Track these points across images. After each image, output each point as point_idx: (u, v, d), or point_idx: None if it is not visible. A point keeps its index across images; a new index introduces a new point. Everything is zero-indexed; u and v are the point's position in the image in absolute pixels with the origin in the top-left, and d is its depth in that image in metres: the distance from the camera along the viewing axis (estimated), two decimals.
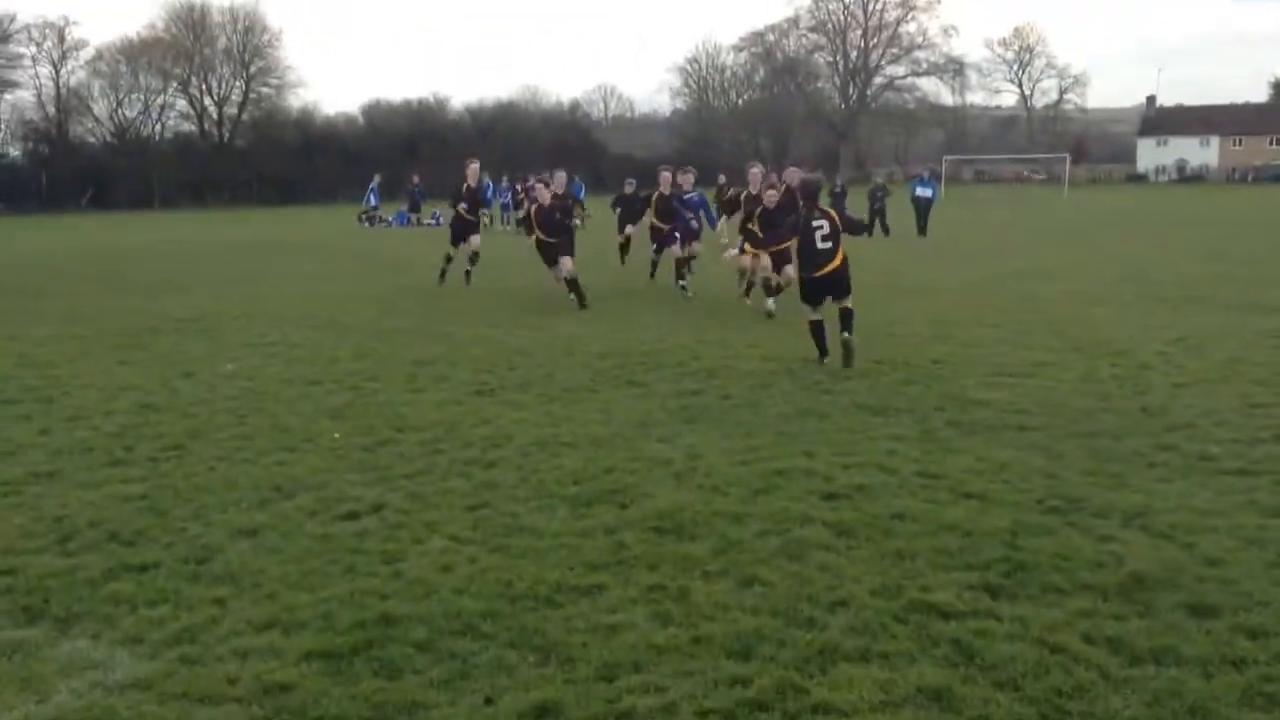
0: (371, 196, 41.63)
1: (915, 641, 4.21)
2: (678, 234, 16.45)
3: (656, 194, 17.36)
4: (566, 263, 14.92)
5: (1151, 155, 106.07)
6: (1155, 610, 4.45)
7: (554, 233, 15.14)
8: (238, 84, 78.64)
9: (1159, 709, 3.65)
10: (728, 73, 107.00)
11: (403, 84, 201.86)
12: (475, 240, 18.08)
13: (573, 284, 14.82)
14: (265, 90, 79.73)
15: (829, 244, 10.26)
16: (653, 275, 17.87)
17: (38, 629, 4.50)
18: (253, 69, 78.69)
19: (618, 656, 4.12)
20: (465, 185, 18.03)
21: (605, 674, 3.99)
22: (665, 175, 17.50)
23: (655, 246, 17.58)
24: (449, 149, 73.85)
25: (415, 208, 41.83)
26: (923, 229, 30.29)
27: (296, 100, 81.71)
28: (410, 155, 68.99)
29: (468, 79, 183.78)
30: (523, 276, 18.55)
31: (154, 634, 4.40)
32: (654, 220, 17.38)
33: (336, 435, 7.66)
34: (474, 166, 18.13)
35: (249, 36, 78.51)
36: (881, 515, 5.72)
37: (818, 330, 10.33)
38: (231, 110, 78.86)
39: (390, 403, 8.76)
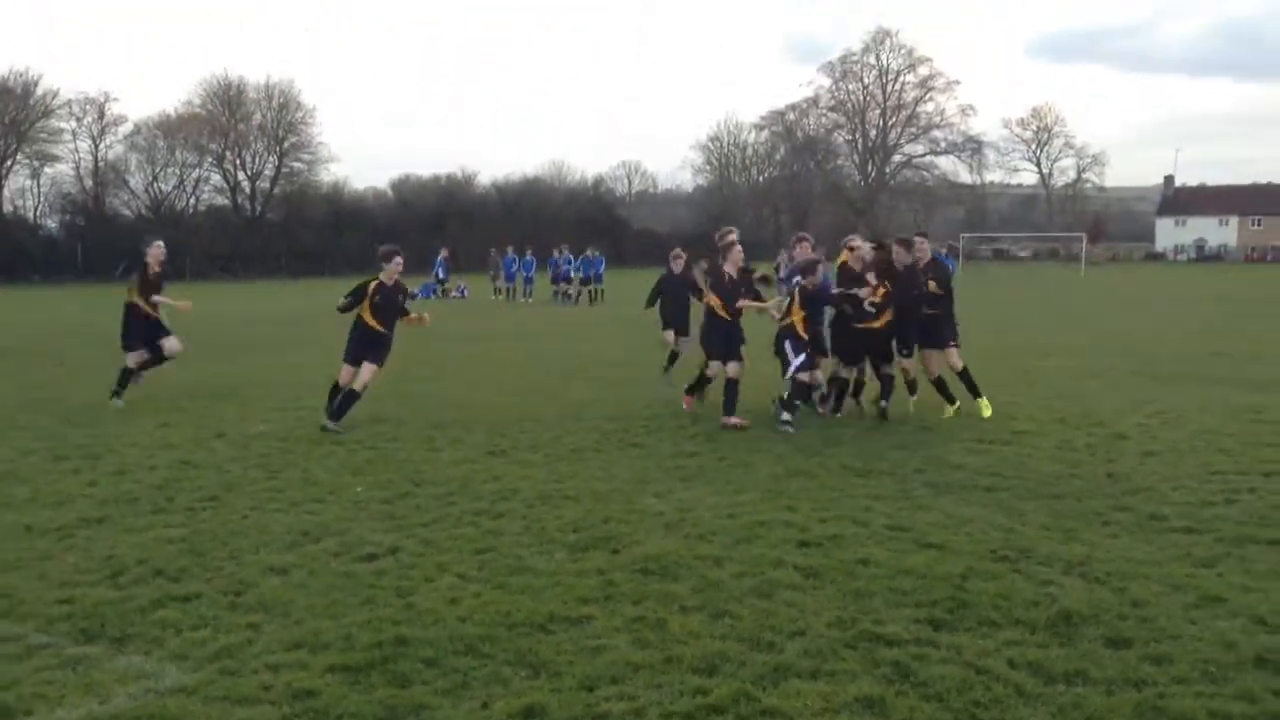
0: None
1: (860, 663, 4.81)
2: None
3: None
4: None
5: (1170, 234, 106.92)
6: (1076, 641, 5.04)
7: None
8: (270, 159, 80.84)
9: (1060, 715, 4.23)
10: (749, 150, 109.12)
11: (431, 159, 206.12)
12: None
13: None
14: (297, 165, 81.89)
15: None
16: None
17: (96, 647, 5.15)
18: (285, 144, 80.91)
19: (598, 671, 4.74)
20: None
21: (587, 685, 4.60)
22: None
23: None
24: (476, 223, 75.62)
25: (443, 280, 42.92)
26: None
27: (327, 175, 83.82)
28: (438, 229, 70.61)
29: (495, 155, 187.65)
30: (540, 345, 19.32)
31: (197, 652, 5.05)
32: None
33: (359, 489, 8.35)
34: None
35: (283, 113, 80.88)
36: (848, 561, 6.33)
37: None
38: (264, 184, 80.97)
39: (409, 460, 9.45)
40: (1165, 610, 5.43)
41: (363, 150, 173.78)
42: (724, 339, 11.77)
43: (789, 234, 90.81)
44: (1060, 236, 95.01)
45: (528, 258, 40.40)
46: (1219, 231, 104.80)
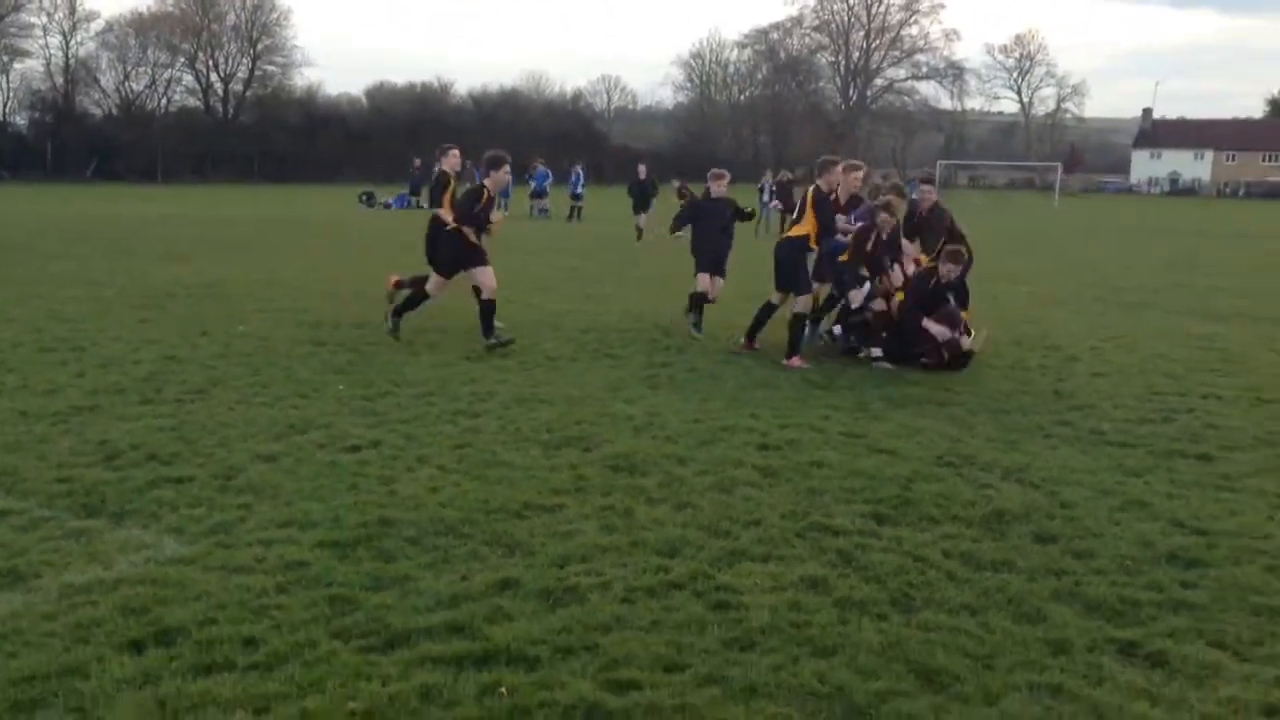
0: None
1: (808, 550, 5.24)
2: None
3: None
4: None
5: (1146, 167, 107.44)
6: (1007, 536, 5.49)
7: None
8: (244, 61, 79.56)
9: (984, 599, 4.68)
10: (730, 68, 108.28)
11: (408, 66, 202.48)
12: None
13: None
14: (271, 68, 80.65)
15: None
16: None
17: (97, 521, 5.49)
18: (260, 47, 79.57)
19: (569, 551, 5.15)
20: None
21: (558, 562, 5.01)
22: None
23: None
24: (451, 134, 74.86)
25: (415, 190, 42.77)
26: None
27: (301, 79, 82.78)
28: (412, 139, 70.02)
29: (472, 65, 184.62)
30: (520, 258, 19.52)
31: (193, 527, 5.41)
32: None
33: (341, 387, 8.67)
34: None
35: (257, 14, 79.45)
36: (804, 462, 6.75)
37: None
38: (237, 87, 79.77)
39: (389, 363, 9.77)
40: (1092, 512, 5.89)
41: (338, 55, 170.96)
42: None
43: (769, 154, 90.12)
44: (1036, 166, 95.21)
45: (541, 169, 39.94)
46: (1194, 165, 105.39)
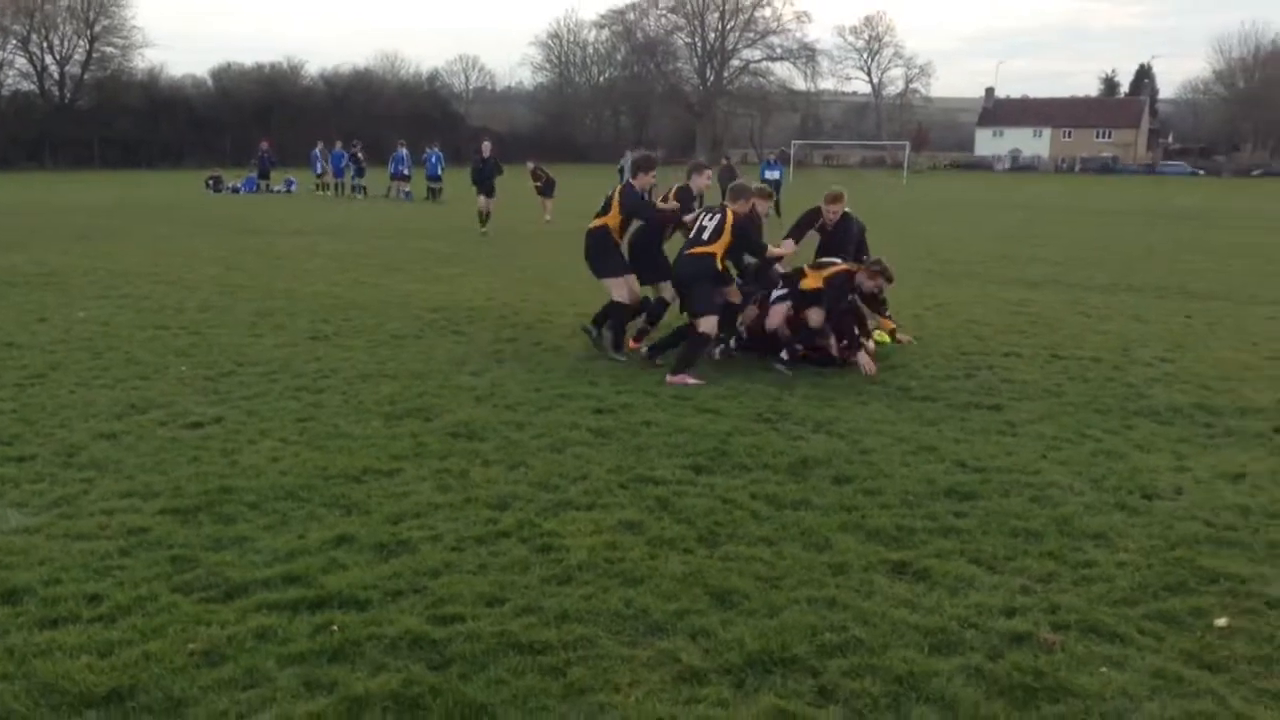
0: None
1: (629, 498, 5.70)
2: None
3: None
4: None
5: (989, 144, 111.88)
6: (808, 479, 6.06)
7: None
8: (81, 43, 75.92)
9: (782, 531, 5.22)
10: (589, 49, 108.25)
11: (255, 47, 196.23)
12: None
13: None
14: (110, 50, 77.11)
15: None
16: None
17: None
18: (97, 28, 76.03)
19: (404, 509, 5.49)
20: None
21: (393, 519, 5.35)
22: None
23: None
24: (303, 116, 73.20)
25: (264, 174, 41.88)
26: (770, 210, 31.82)
27: (143, 61, 79.50)
28: (261, 122, 68.21)
29: (323, 45, 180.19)
30: (368, 241, 19.57)
31: (36, 501, 5.56)
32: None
33: (184, 368, 8.77)
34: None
35: None
36: (634, 423, 7.22)
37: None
38: (74, 70, 76.10)
39: (232, 344, 9.88)
40: (886, 457, 6.51)
41: (181, 35, 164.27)
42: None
43: (629, 136, 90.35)
44: (887, 145, 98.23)
45: (355, 152, 39.67)
46: (1033, 142, 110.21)
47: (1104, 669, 3.89)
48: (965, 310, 12.83)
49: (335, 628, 4.12)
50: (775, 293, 9.79)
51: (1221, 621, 4.30)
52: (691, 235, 9.30)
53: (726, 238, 9.19)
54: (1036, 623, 4.26)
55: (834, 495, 5.80)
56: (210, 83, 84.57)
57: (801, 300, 9.47)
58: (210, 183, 41.50)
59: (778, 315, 9.65)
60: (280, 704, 3.59)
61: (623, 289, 9.85)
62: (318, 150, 40.94)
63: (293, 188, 41.73)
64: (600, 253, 10.04)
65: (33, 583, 4.47)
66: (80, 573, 4.59)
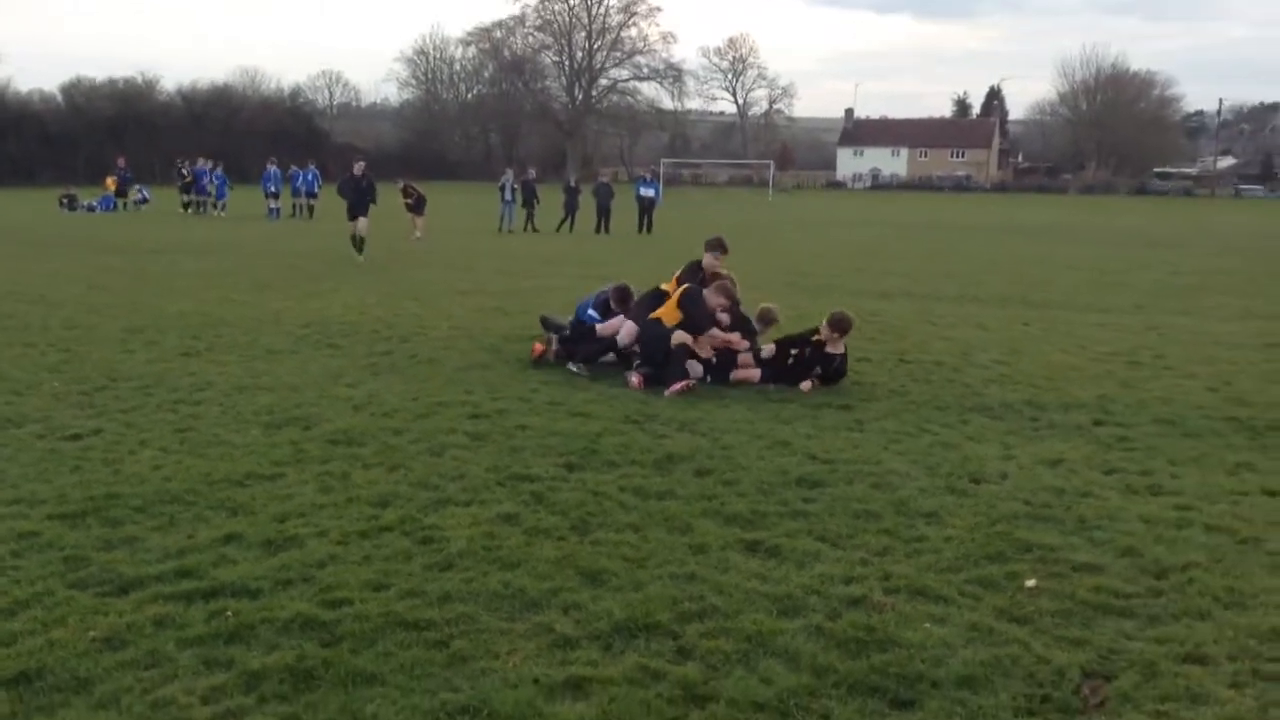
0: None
1: (506, 494, 6.07)
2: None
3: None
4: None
5: (850, 164, 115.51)
6: (673, 472, 6.53)
7: None
8: None
9: (648, 518, 5.66)
10: (456, 66, 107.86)
11: (107, 62, 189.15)
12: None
13: None
14: None
15: None
16: None
17: None
18: None
19: (289, 509, 5.75)
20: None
21: (279, 518, 5.60)
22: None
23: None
24: (159, 132, 71.16)
25: (123, 192, 40.73)
26: (644, 226, 32.64)
27: None
28: (116, 138, 66.08)
29: (179, 60, 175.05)
30: (238, 258, 19.40)
31: None
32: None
33: (56, 384, 8.78)
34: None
35: None
36: (510, 427, 7.59)
37: None
38: None
39: (104, 360, 9.87)
40: (745, 452, 7.03)
41: (28, 50, 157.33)
42: None
43: (500, 153, 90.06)
44: (752, 164, 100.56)
45: (218, 171, 39.06)
46: (891, 161, 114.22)
47: (927, 624, 4.44)
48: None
49: (229, 614, 4.38)
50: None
51: (1030, 582, 4.91)
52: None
53: (672, 307, 9.48)
54: (871, 588, 4.79)
55: (695, 486, 6.27)
56: (60, 98, 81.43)
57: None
58: (64, 201, 40.13)
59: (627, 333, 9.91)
60: (182, 680, 3.85)
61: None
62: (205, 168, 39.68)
63: (145, 197, 40.67)
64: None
65: None
66: None
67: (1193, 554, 5.28)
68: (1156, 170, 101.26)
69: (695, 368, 9.35)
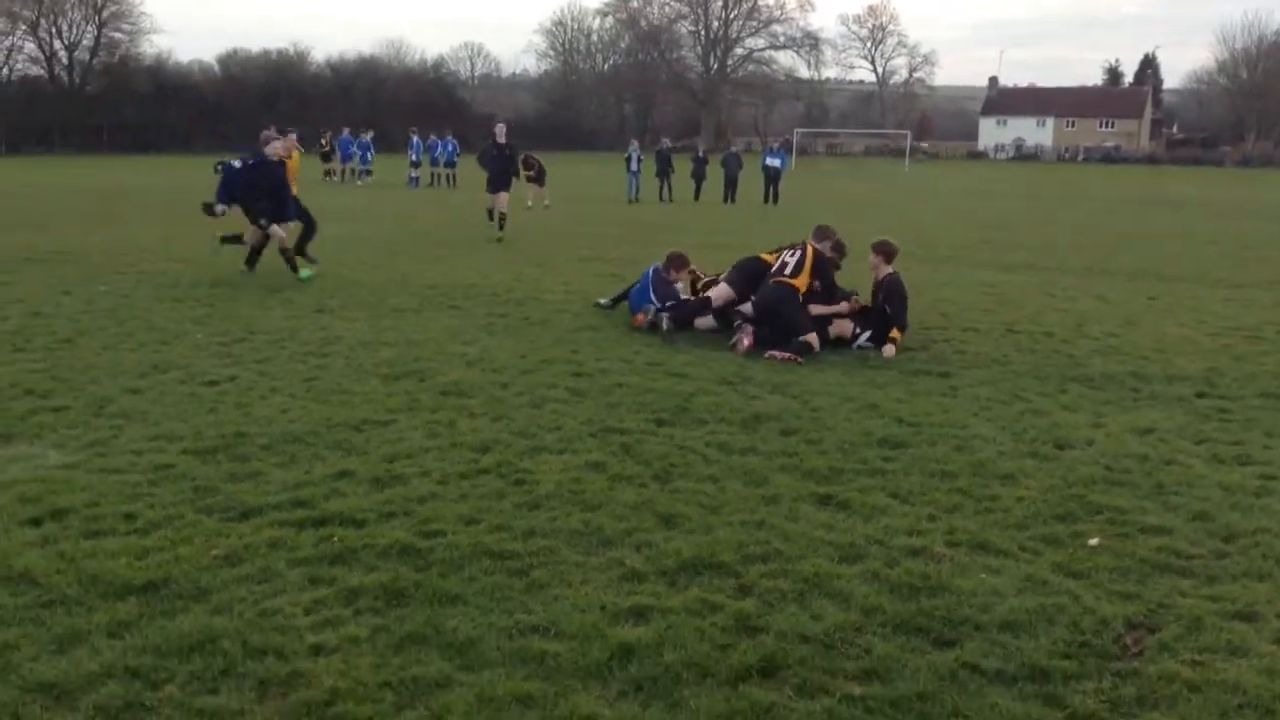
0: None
1: (597, 445, 6.44)
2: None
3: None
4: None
5: (992, 134, 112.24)
6: (759, 431, 6.79)
7: None
8: (89, 28, 76.75)
9: (728, 471, 5.95)
10: (593, 37, 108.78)
11: (262, 32, 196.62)
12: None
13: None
14: (118, 35, 78.10)
15: None
16: None
17: None
18: (105, 13, 76.89)
19: (398, 451, 6.23)
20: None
21: (388, 457, 6.09)
22: None
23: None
24: (309, 102, 73.92)
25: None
26: (770, 197, 32.76)
27: (150, 47, 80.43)
28: (269, 108, 68.88)
29: (330, 31, 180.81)
30: (373, 225, 20.27)
31: (73, 443, 6.30)
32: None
33: (200, 335, 9.53)
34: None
35: None
36: (609, 385, 7.95)
37: None
38: (82, 56, 76.97)
39: (244, 315, 10.63)
40: (833, 414, 7.24)
41: (189, 21, 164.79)
42: None
43: (634, 123, 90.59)
44: (890, 133, 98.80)
45: (363, 139, 40.48)
46: (1036, 132, 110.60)
47: (982, 575, 4.62)
48: (935, 291, 13.51)
49: (335, 539, 4.86)
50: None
51: (1093, 541, 5.03)
52: (774, 268, 10.07)
53: (807, 275, 9.88)
54: (933, 541, 4.99)
55: (779, 444, 6.53)
56: (217, 69, 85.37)
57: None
58: (219, 168, 42.13)
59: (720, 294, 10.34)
60: (289, 593, 4.33)
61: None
62: (367, 138, 40.93)
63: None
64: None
65: (75, 504, 5.21)
66: (116, 498, 5.34)
67: (1267, 520, 5.31)
68: None
69: (814, 342, 9.48)
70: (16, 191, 30.32)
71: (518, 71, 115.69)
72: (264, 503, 5.32)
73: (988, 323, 11.13)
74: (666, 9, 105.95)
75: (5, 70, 74.35)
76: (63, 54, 76.43)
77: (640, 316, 10.47)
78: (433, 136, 40.66)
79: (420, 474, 5.85)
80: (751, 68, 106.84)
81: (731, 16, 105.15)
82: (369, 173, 39.54)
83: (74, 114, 70.32)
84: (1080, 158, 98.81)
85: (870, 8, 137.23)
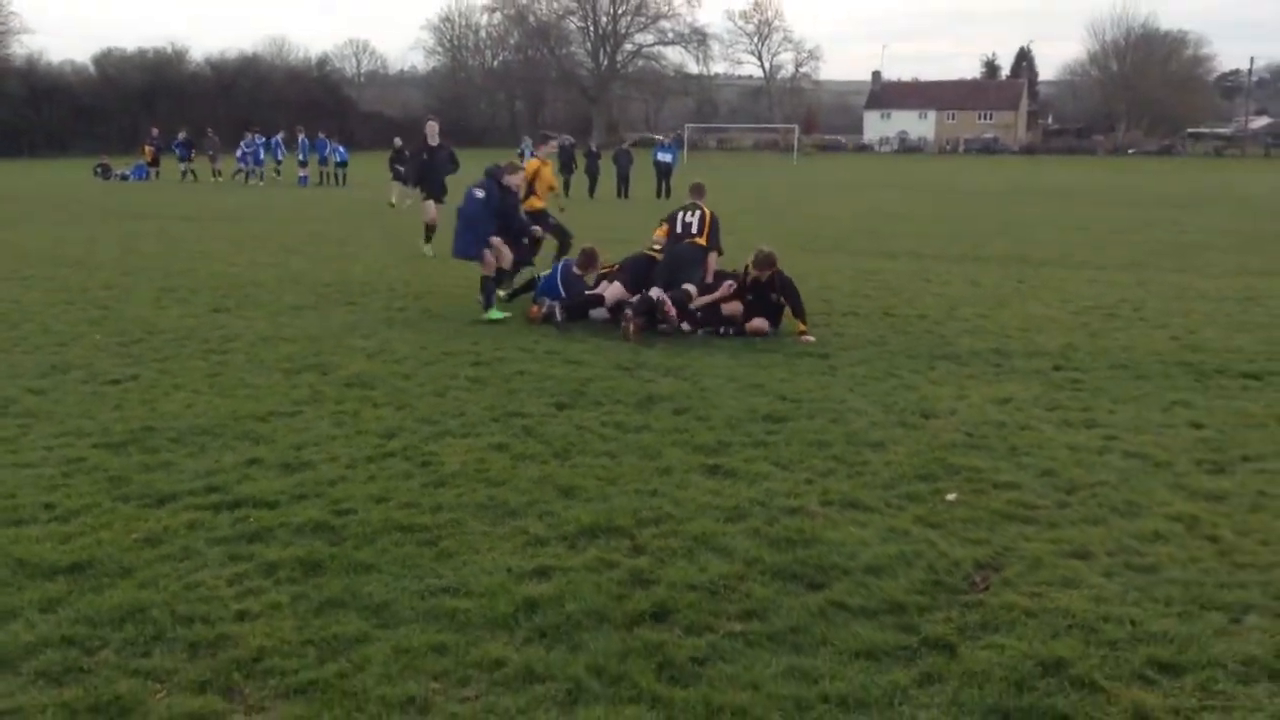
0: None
1: (499, 429, 6.78)
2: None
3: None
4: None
5: (877, 127, 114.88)
6: (652, 411, 7.22)
7: None
8: None
9: (622, 448, 6.36)
10: (482, 33, 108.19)
11: (137, 32, 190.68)
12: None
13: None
14: None
15: None
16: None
17: None
18: None
19: (305, 439, 6.49)
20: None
21: (296, 446, 6.35)
22: None
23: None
24: (189, 101, 72.09)
25: (155, 161, 41.62)
26: (663, 191, 33.27)
27: (21, 48, 77.33)
28: (147, 108, 67.11)
29: (208, 29, 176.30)
30: (262, 225, 20.17)
31: None
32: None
33: (98, 336, 9.57)
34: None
35: None
36: (509, 373, 8.30)
37: None
38: None
39: (140, 316, 10.67)
40: (721, 393, 7.71)
41: (60, 20, 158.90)
42: None
43: (524, 120, 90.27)
44: (778, 128, 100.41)
45: (251, 139, 39.85)
46: (919, 124, 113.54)
47: (851, 528, 5.12)
48: (820, 278, 14.13)
49: (251, 519, 5.12)
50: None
51: (951, 496, 5.57)
52: (679, 230, 10.73)
53: (707, 231, 10.78)
54: (809, 501, 5.47)
55: (671, 421, 6.96)
56: (92, 69, 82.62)
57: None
58: (99, 170, 41.13)
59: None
60: (210, 568, 4.59)
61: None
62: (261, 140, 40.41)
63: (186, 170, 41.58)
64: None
65: None
66: (32, 489, 5.51)
67: (1106, 475, 5.93)
68: (1189, 131, 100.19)
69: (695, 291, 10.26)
70: None
71: (405, 68, 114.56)
72: (179, 489, 5.54)
73: (867, 308, 11.76)
74: (554, 5, 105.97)
75: None
76: None
77: (535, 309, 10.81)
78: (321, 135, 40.24)
79: (328, 459, 6.12)
80: (641, 64, 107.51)
81: (620, 12, 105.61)
82: (260, 174, 39.02)
83: None
84: (961, 149, 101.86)
85: (756, 3, 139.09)
